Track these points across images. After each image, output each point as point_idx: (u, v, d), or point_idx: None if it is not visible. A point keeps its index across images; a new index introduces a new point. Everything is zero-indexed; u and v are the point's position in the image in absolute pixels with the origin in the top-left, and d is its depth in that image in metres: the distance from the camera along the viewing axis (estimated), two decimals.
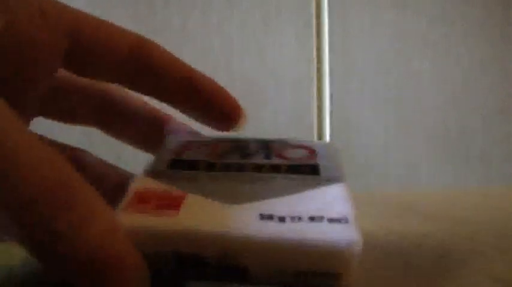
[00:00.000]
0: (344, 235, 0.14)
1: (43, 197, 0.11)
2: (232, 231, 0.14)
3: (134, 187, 0.16)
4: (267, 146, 0.20)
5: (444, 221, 0.29)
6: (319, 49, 0.78)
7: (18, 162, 0.11)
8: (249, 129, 0.88)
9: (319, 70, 0.78)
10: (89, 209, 0.12)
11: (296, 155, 0.19)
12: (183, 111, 0.19)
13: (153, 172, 0.17)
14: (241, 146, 0.20)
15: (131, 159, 0.76)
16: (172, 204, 0.15)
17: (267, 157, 0.19)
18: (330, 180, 0.17)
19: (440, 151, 0.80)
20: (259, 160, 0.18)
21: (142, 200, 0.15)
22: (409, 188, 0.79)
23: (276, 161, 0.18)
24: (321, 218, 0.15)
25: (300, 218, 0.15)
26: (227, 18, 0.78)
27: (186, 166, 0.17)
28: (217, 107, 0.19)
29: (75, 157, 0.19)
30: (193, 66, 0.20)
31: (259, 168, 0.18)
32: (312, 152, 0.19)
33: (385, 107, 0.79)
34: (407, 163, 0.79)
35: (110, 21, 0.17)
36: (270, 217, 0.15)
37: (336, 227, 0.14)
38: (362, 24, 0.79)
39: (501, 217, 0.31)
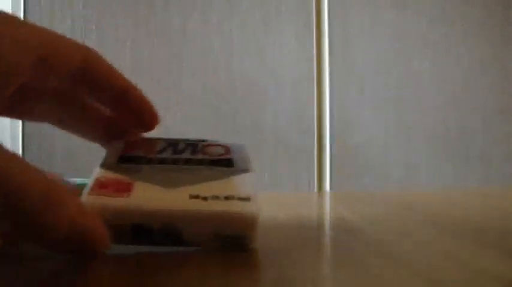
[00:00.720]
0: (248, 208, 0.20)
1: (28, 196, 0.16)
2: (170, 207, 0.19)
3: (95, 176, 0.21)
4: (192, 145, 0.25)
5: (444, 221, 0.29)
6: (319, 49, 0.78)
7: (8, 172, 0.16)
8: (250, 129, 0.88)
9: (319, 70, 0.78)
10: (60, 199, 0.17)
11: (215, 152, 0.25)
12: (116, 114, 0.25)
13: (107, 165, 0.22)
14: (172, 145, 0.25)
15: None
16: (125, 188, 0.20)
17: (193, 153, 0.24)
18: (241, 171, 0.23)
19: (440, 150, 0.80)
20: (188, 155, 0.24)
21: (102, 186, 0.20)
22: (409, 188, 0.79)
23: (200, 156, 0.24)
24: (233, 197, 0.20)
25: (218, 197, 0.20)
26: (227, 18, 0.78)
27: (131, 160, 0.23)
28: (142, 115, 0.25)
29: None
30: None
31: (188, 161, 0.23)
32: (227, 149, 0.25)
33: (385, 107, 0.79)
34: (407, 163, 0.79)
35: (65, 37, 0.22)
36: (197, 197, 0.20)
37: (243, 203, 0.20)
38: (362, 24, 0.79)
39: (501, 217, 0.31)
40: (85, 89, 0.23)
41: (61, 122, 0.25)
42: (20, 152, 0.74)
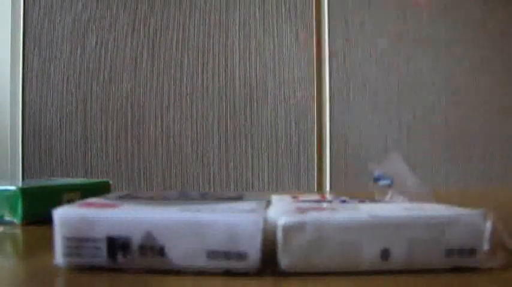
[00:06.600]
0: (249, 218, 0.16)
1: None
2: (154, 215, 0.17)
3: (82, 201, 0.20)
4: (205, 193, 0.24)
5: None
6: (319, 49, 0.78)
7: None
8: (250, 129, 0.87)
9: (319, 70, 0.78)
10: None
11: (226, 194, 0.24)
12: None
13: (102, 197, 0.21)
14: (184, 194, 0.24)
15: (132, 161, 0.76)
16: (111, 205, 0.19)
17: (203, 196, 0.23)
18: (251, 200, 0.20)
19: (441, 150, 0.80)
20: (196, 196, 0.23)
21: (87, 204, 0.19)
22: None
23: (209, 196, 0.23)
24: (232, 210, 0.18)
25: (213, 210, 0.17)
26: (227, 18, 0.78)
27: (132, 198, 0.22)
28: None
29: None
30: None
31: (193, 199, 0.21)
32: (240, 194, 0.24)
33: (385, 107, 0.79)
34: (407, 163, 0.79)
35: None
36: (188, 210, 0.18)
37: (244, 214, 0.17)
38: (362, 24, 0.79)
39: (501, 217, 0.31)
40: None
41: None
42: (20, 151, 0.74)
